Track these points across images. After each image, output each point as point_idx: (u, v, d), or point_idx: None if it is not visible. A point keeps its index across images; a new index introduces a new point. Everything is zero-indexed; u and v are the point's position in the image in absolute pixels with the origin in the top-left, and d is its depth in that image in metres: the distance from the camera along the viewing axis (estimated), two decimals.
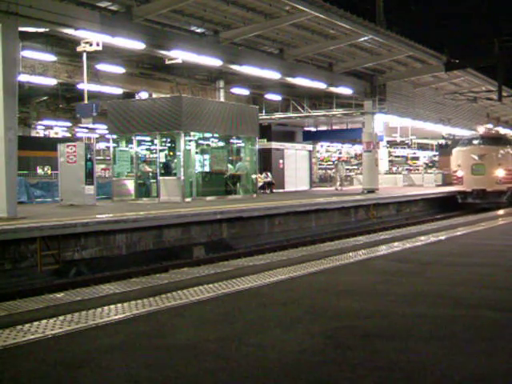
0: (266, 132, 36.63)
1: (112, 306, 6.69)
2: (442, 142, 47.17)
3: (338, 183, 37.43)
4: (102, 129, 41.98)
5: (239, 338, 5.38)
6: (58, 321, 6.09)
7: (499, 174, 30.76)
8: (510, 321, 5.93)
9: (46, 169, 38.60)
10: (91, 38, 18.16)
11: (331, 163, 53.42)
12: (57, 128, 48.49)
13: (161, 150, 25.73)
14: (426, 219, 26.78)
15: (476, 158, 31.15)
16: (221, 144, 29.12)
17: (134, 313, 6.38)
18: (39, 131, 47.86)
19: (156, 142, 25.39)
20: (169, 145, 26.48)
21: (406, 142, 49.65)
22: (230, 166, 28.13)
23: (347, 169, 56.59)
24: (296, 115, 36.90)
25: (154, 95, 30.06)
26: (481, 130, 35.91)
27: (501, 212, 24.41)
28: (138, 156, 25.78)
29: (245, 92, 33.91)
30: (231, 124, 26.81)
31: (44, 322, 6.05)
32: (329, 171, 50.30)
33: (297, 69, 27.19)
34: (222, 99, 31.17)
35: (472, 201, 30.92)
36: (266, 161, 34.20)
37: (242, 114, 27.65)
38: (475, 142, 32.56)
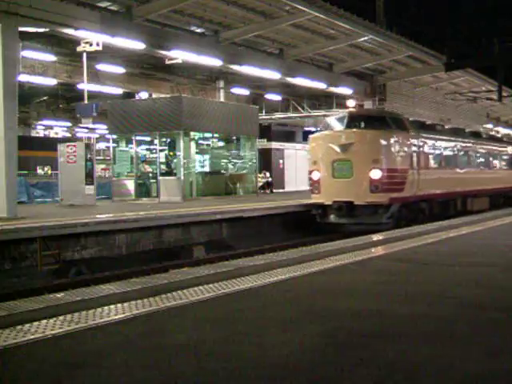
0: (265, 132, 36.64)
1: (112, 306, 6.69)
2: None
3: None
4: (102, 129, 42.00)
5: (239, 338, 5.38)
6: (58, 321, 6.09)
7: (375, 177, 18.88)
8: (511, 321, 5.93)
9: (46, 169, 38.64)
10: (91, 38, 18.18)
11: None
12: (57, 128, 48.54)
13: (161, 150, 25.75)
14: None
15: (338, 149, 19.27)
16: (221, 144, 29.16)
17: (134, 313, 6.38)
18: (39, 131, 47.91)
19: (156, 141, 25.41)
20: (169, 145, 26.51)
21: None
22: (229, 165, 28.17)
23: None
24: (296, 115, 36.92)
25: (154, 95, 30.08)
26: (351, 104, 24.12)
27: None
28: (138, 156, 25.79)
29: (245, 92, 33.92)
30: (231, 124, 26.82)
31: (44, 321, 6.05)
32: None
33: (297, 69, 27.20)
34: (222, 99, 31.17)
35: (334, 220, 19.66)
36: (266, 161, 34.21)
37: (241, 114, 27.67)
38: (339, 123, 20.37)
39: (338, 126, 20.17)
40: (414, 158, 20.34)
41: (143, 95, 30.81)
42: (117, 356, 4.96)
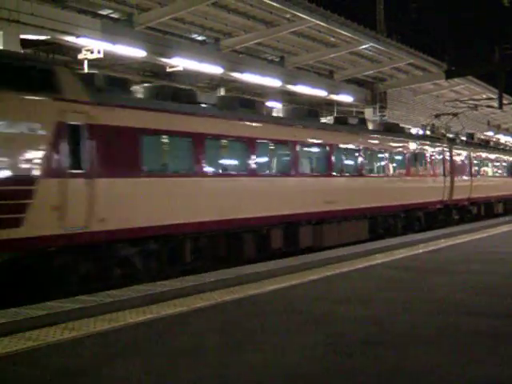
0: None
1: (113, 314, 6.70)
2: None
3: None
4: None
5: (239, 345, 5.38)
6: (59, 328, 6.09)
7: None
8: (510, 328, 5.93)
9: None
10: (92, 46, 18.22)
11: None
12: None
13: None
14: None
15: None
16: None
17: (136, 320, 6.38)
18: None
19: None
20: None
21: None
22: None
23: None
24: None
25: None
26: None
27: None
28: None
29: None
30: None
31: (45, 329, 6.06)
32: None
33: (297, 76, 27.22)
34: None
35: None
36: None
37: None
38: None
39: None
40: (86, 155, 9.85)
41: None
42: (117, 363, 4.96)
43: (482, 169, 26.73)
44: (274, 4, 19.69)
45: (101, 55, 18.42)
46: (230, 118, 13.14)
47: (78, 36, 17.38)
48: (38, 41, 18.06)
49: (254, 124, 13.87)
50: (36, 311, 6.89)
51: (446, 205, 21.88)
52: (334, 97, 29.80)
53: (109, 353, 5.25)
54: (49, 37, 17.30)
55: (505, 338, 5.50)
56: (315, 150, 15.91)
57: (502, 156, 30.06)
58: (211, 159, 12.38)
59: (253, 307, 7.04)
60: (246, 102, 14.51)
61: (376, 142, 18.45)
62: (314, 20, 21.46)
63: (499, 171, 29.08)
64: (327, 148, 15.96)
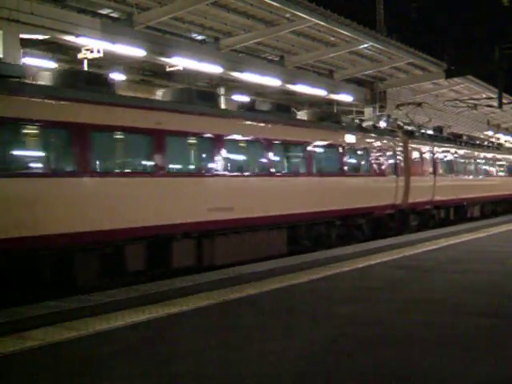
0: None
1: (112, 314, 6.69)
2: None
3: None
4: None
5: (240, 345, 5.37)
6: (58, 328, 6.09)
7: None
8: (509, 327, 5.92)
9: None
10: (92, 45, 18.20)
11: None
12: None
13: None
14: None
15: None
16: None
17: (135, 320, 6.37)
18: None
19: None
20: None
21: None
22: None
23: None
24: None
25: None
26: None
27: None
28: None
29: (245, 99, 33.91)
30: None
31: (44, 329, 6.05)
32: None
33: (297, 76, 27.20)
34: (223, 106, 31.17)
35: None
36: None
37: None
38: None
39: None
40: None
41: None
42: (117, 363, 4.95)
43: (451, 167, 23.37)
44: (274, 3, 19.65)
45: (101, 55, 18.42)
46: (53, 99, 9.45)
47: (77, 35, 17.38)
48: (37, 40, 18.07)
49: (96, 107, 10.01)
50: (36, 311, 6.88)
51: (400, 209, 18.25)
52: (334, 96, 29.83)
53: (109, 353, 5.24)
54: (48, 36, 17.31)
55: (505, 338, 5.50)
56: (193, 141, 11.95)
57: (476, 153, 26.90)
58: (15, 151, 9.04)
59: (253, 306, 7.03)
60: (94, 79, 10.88)
61: (298, 133, 14.70)
62: (313, 19, 21.45)
63: (474, 170, 26.03)
64: (213, 139, 12.03)
